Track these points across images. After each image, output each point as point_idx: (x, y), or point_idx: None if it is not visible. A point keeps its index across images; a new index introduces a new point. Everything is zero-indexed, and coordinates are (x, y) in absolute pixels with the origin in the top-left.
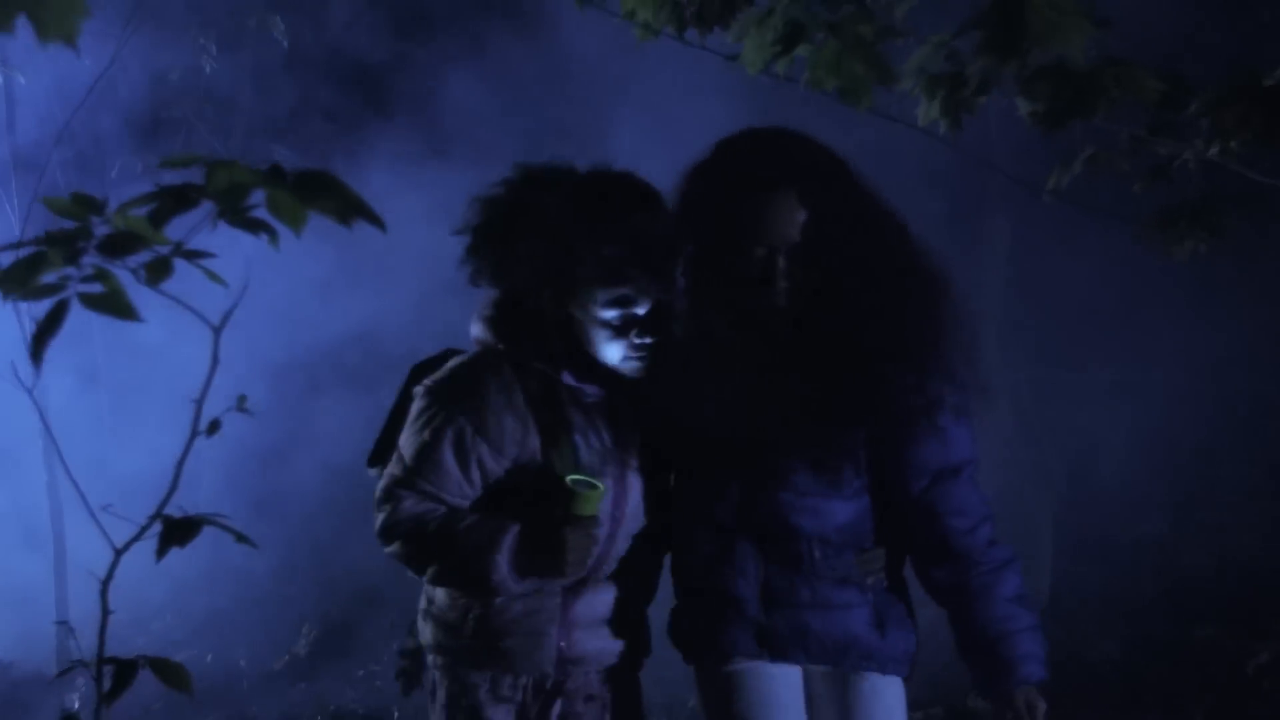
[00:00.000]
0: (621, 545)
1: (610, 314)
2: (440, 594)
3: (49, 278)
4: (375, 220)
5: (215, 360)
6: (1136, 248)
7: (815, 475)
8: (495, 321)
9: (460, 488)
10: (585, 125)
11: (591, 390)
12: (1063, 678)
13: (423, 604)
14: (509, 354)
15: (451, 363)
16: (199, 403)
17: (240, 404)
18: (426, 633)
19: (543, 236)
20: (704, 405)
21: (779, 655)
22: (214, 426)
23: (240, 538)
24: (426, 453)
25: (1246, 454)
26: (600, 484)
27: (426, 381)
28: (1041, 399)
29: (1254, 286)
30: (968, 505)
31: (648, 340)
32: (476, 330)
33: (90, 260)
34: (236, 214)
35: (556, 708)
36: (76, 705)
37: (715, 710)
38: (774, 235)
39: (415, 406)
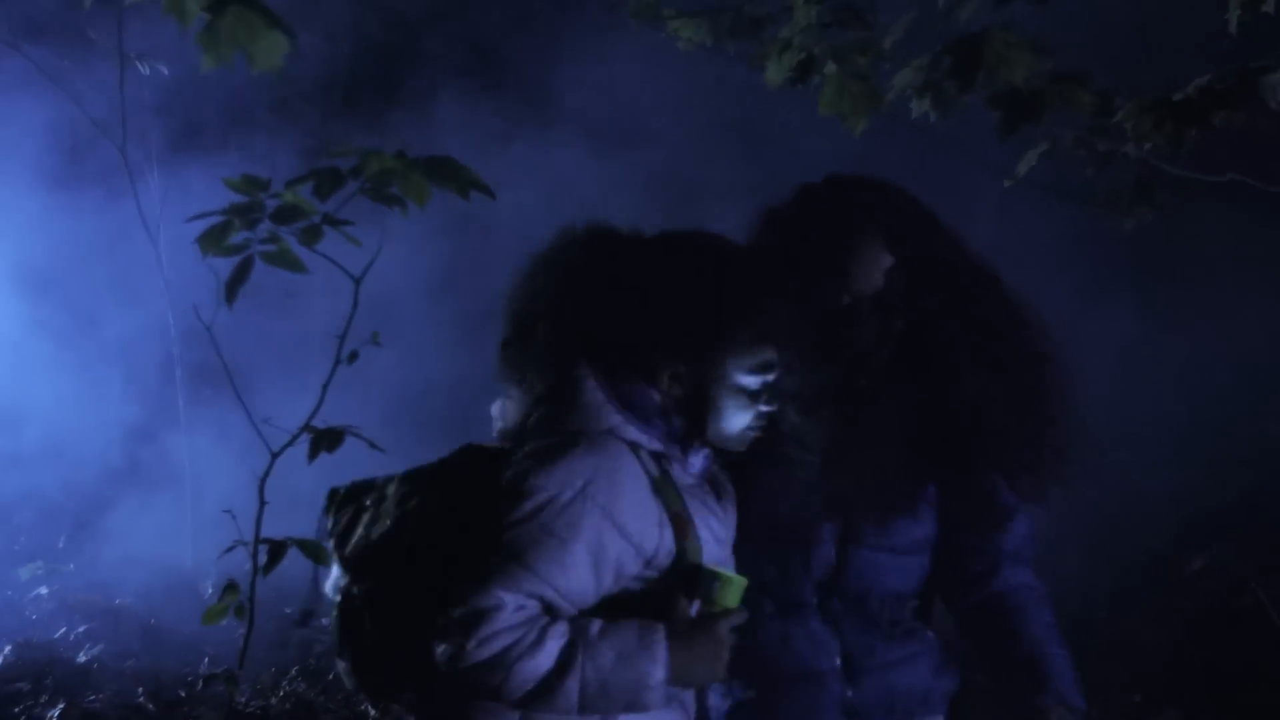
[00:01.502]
0: None
1: (752, 381)
2: None
3: (236, 239)
4: (488, 192)
5: (355, 304)
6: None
7: (884, 533)
8: (623, 403)
9: (584, 594)
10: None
11: (695, 473)
12: None
13: None
14: (625, 441)
15: (567, 450)
16: (341, 338)
17: (374, 339)
18: None
19: (685, 308)
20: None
21: None
22: (353, 356)
23: (373, 445)
24: (554, 549)
25: None
26: (737, 575)
27: (547, 470)
28: None
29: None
30: (1021, 539)
31: (771, 408)
32: (584, 416)
33: (265, 227)
34: (379, 192)
35: None
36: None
37: None
38: (860, 280)
39: (528, 501)
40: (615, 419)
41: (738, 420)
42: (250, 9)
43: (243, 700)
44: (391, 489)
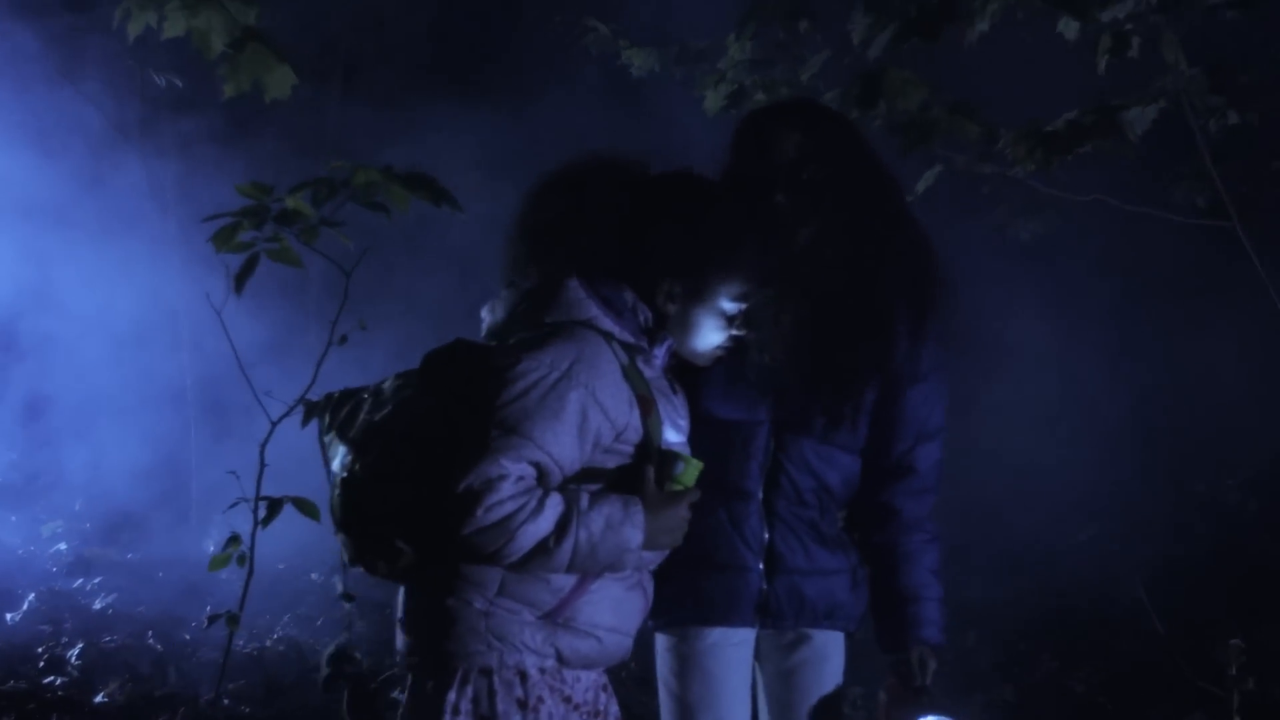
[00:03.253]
0: None
1: (731, 306)
2: (524, 584)
3: (245, 238)
4: (455, 204)
5: (345, 295)
6: None
7: (834, 429)
8: (601, 301)
9: (572, 461)
10: None
11: (656, 369)
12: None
13: (464, 603)
14: (600, 331)
15: (554, 338)
16: (334, 322)
17: (361, 324)
18: (481, 636)
19: (692, 234)
20: (749, 358)
21: (770, 623)
22: (343, 339)
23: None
24: (546, 420)
25: None
26: (695, 459)
27: (536, 353)
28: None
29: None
30: (931, 470)
31: (742, 333)
32: (567, 309)
33: (268, 228)
34: (367, 199)
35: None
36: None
37: (687, 672)
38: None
39: (521, 380)
40: (594, 311)
41: (711, 339)
42: (265, 46)
43: (240, 643)
44: (388, 383)
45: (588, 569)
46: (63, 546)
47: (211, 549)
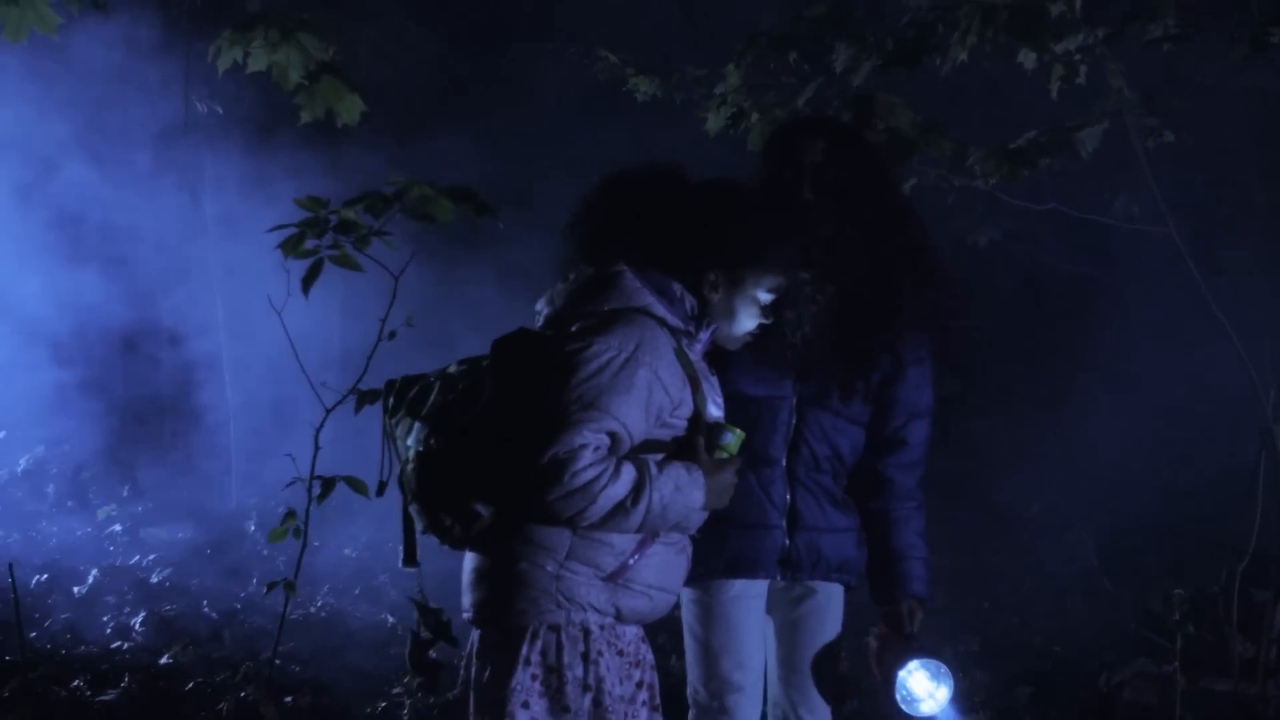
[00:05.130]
0: None
1: (766, 296)
2: (590, 548)
3: (308, 245)
4: (493, 214)
5: (394, 295)
6: None
7: (847, 403)
8: (654, 290)
9: (640, 431)
10: None
11: (698, 353)
12: None
13: (537, 567)
14: (655, 317)
15: (617, 323)
16: (383, 321)
17: (408, 321)
18: (553, 596)
19: (735, 232)
20: (777, 339)
21: (792, 575)
22: (392, 335)
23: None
24: (620, 395)
25: None
26: (739, 429)
27: (604, 337)
28: None
29: None
30: (920, 445)
31: (769, 320)
32: (625, 298)
33: (329, 237)
34: (417, 210)
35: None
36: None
37: (714, 619)
38: (815, 188)
39: (594, 361)
40: (649, 299)
41: (747, 324)
42: (338, 78)
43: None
44: (453, 368)
45: (657, 527)
46: (118, 528)
47: (252, 529)
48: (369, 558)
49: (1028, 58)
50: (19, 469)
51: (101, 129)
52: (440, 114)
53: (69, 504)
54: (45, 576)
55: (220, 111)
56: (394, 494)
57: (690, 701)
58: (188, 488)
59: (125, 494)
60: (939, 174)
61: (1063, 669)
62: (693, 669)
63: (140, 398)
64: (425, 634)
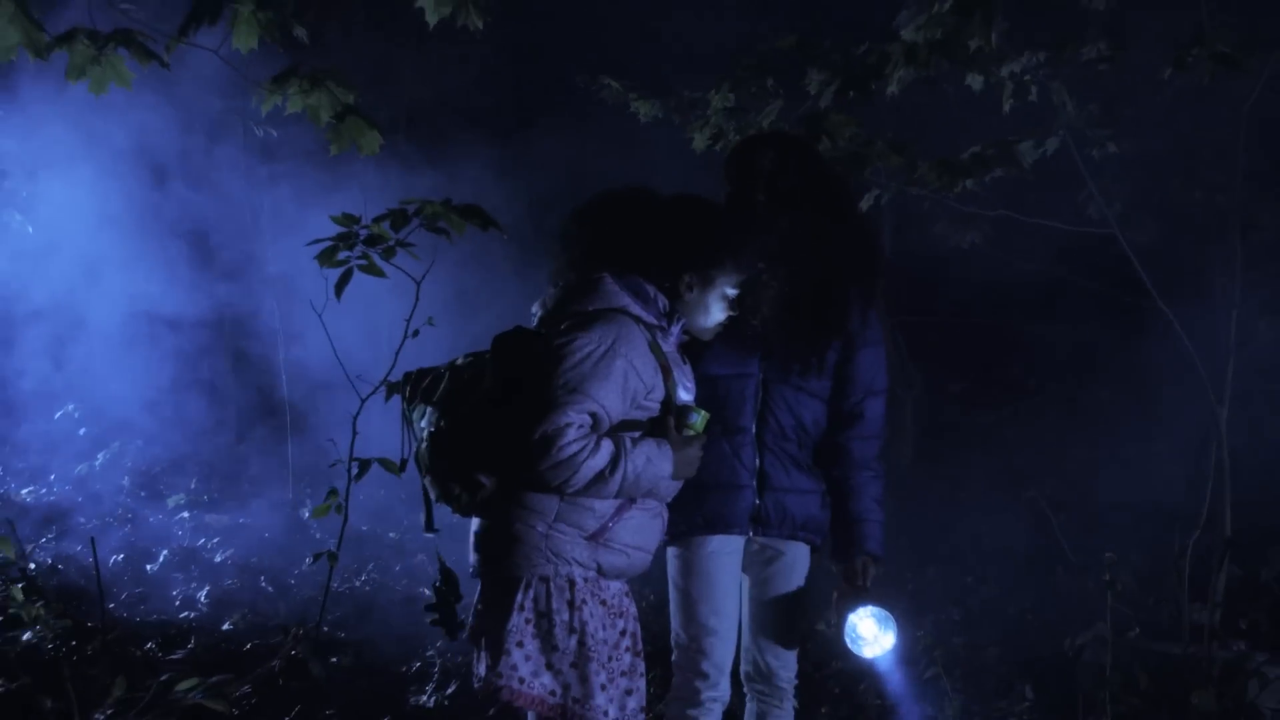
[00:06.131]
0: None
1: (733, 291)
2: (575, 511)
3: (342, 256)
4: (500, 227)
5: (416, 299)
6: None
7: (805, 378)
8: (630, 292)
9: (617, 412)
10: None
11: (671, 344)
12: None
13: (529, 527)
14: (631, 315)
15: (597, 320)
16: (408, 320)
17: (429, 321)
18: (543, 552)
19: (703, 239)
20: (743, 325)
21: (762, 531)
22: (415, 333)
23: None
24: (599, 381)
25: None
26: (705, 410)
27: (586, 333)
28: None
29: None
30: (876, 419)
31: (736, 311)
32: (605, 300)
33: (359, 249)
34: (432, 225)
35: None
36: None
37: (694, 571)
38: (766, 192)
39: (577, 353)
40: (626, 300)
41: (717, 316)
42: (360, 118)
43: (335, 584)
44: (460, 360)
45: (632, 494)
46: (185, 515)
47: (305, 514)
48: (409, 540)
49: (975, 80)
50: (97, 463)
51: (182, 153)
52: (472, 132)
53: (142, 494)
54: (122, 556)
55: (275, 134)
56: None
57: (673, 644)
58: (248, 478)
59: (192, 485)
60: (898, 184)
61: (1032, 634)
62: (675, 615)
63: (207, 397)
64: (442, 588)
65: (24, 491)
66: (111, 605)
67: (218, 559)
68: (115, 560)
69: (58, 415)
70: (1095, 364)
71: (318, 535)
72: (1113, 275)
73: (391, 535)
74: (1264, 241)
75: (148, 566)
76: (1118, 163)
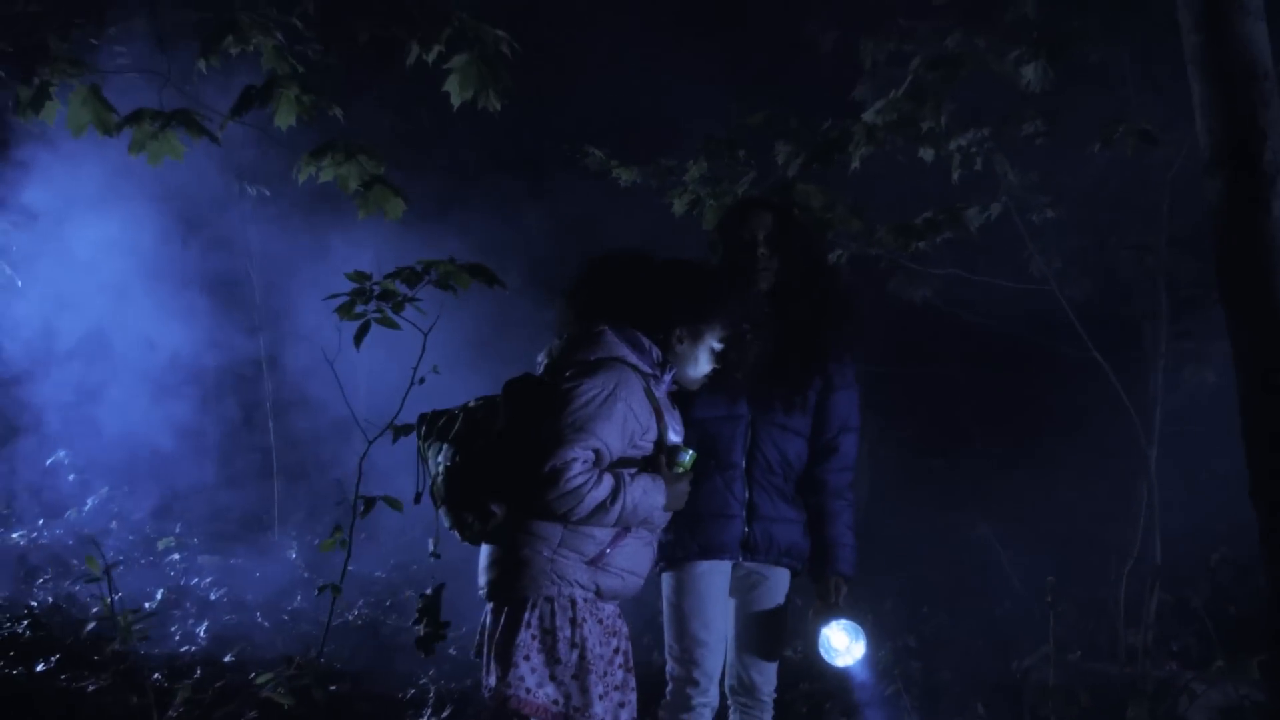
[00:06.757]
0: None
1: (718, 345)
2: (577, 538)
3: (359, 309)
4: (503, 284)
5: (423, 349)
6: None
7: (789, 416)
8: (628, 344)
9: (617, 450)
10: None
11: (663, 391)
12: None
13: (536, 552)
14: (629, 364)
15: (600, 368)
16: (415, 369)
17: (434, 369)
18: (548, 575)
19: (694, 298)
20: (732, 378)
21: (750, 556)
22: (421, 380)
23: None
24: (602, 421)
25: None
26: (693, 451)
27: (590, 379)
28: None
29: None
30: (850, 453)
31: (718, 366)
32: (606, 350)
33: (374, 303)
34: (444, 283)
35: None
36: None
37: (688, 594)
38: (769, 247)
39: (582, 396)
40: (624, 350)
41: (703, 369)
42: (386, 186)
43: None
44: (473, 403)
45: (629, 523)
46: (176, 557)
47: (293, 555)
48: (396, 577)
49: (927, 153)
50: (86, 508)
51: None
52: (470, 190)
53: (130, 538)
54: (120, 595)
55: (268, 193)
56: (417, 524)
57: (667, 655)
58: (236, 521)
59: (177, 529)
60: (859, 245)
61: (983, 658)
62: (669, 629)
63: (190, 441)
64: (426, 611)
65: (14, 535)
66: (115, 643)
67: (212, 597)
68: (114, 599)
69: (49, 462)
70: (1037, 410)
71: (306, 574)
72: (1052, 328)
73: (379, 574)
74: (1186, 298)
75: (145, 605)
76: (1056, 226)
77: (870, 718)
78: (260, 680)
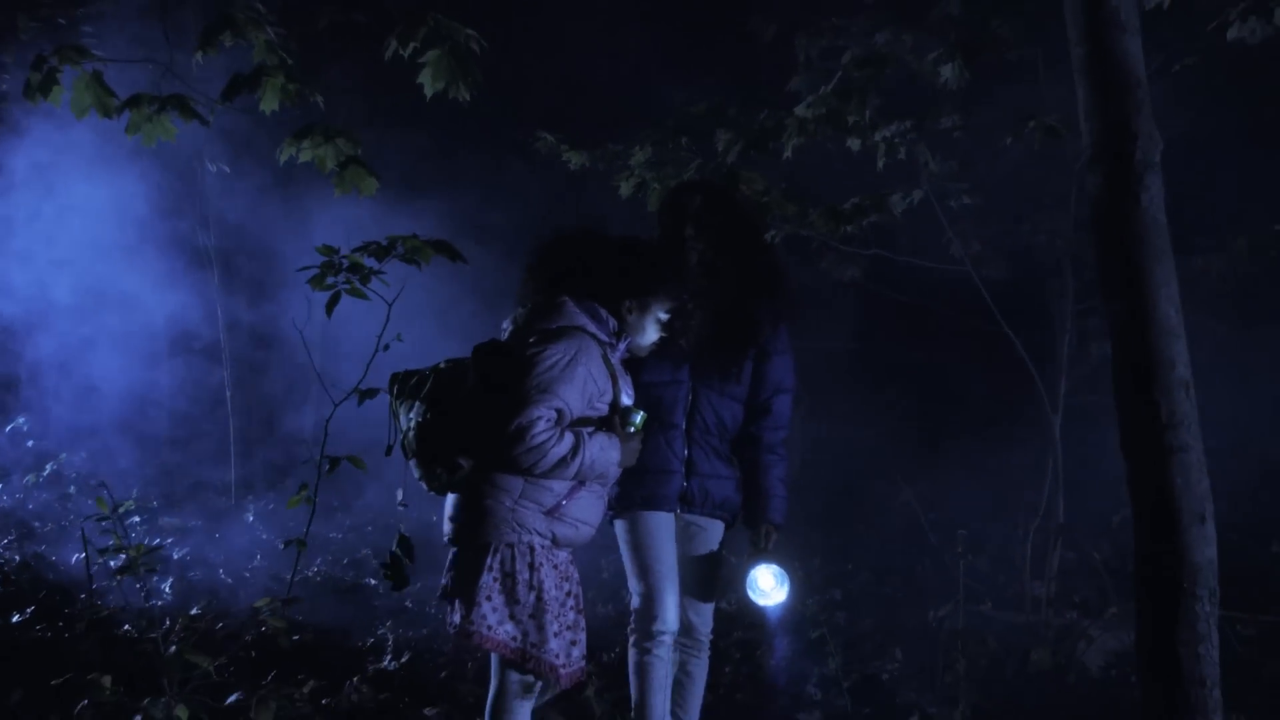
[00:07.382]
0: None
1: (665, 315)
2: (536, 490)
3: (330, 280)
4: (463, 259)
5: (388, 318)
6: None
7: (725, 383)
8: (586, 313)
9: (577, 410)
10: None
11: (617, 358)
12: None
13: (499, 502)
14: (589, 333)
15: (562, 336)
16: (380, 337)
17: (398, 337)
18: (509, 523)
19: (641, 272)
20: (677, 346)
21: (688, 509)
22: (387, 347)
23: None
24: (565, 384)
25: None
26: (643, 412)
27: (554, 345)
28: None
29: None
30: (784, 413)
31: (665, 334)
32: (568, 319)
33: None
34: (409, 257)
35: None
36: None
37: (638, 538)
38: (694, 228)
39: (547, 360)
40: (584, 319)
41: (650, 337)
42: (361, 166)
43: (286, 576)
44: (443, 364)
45: (586, 477)
46: (136, 519)
47: (250, 519)
48: (352, 538)
49: (854, 143)
50: (44, 474)
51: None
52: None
53: (89, 501)
54: (82, 555)
55: (228, 170)
56: (372, 495)
57: (629, 588)
58: (193, 483)
59: (134, 493)
60: (793, 227)
61: (902, 609)
62: (628, 565)
63: (149, 409)
64: (398, 551)
65: None
66: (84, 596)
67: (176, 555)
68: (78, 559)
69: (8, 429)
70: (959, 383)
71: (264, 536)
72: (969, 306)
73: (334, 535)
74: (1091, 279)
75: (110, 563)
76: (974, 212)
77: (796, 661)
78: (259, 605)
